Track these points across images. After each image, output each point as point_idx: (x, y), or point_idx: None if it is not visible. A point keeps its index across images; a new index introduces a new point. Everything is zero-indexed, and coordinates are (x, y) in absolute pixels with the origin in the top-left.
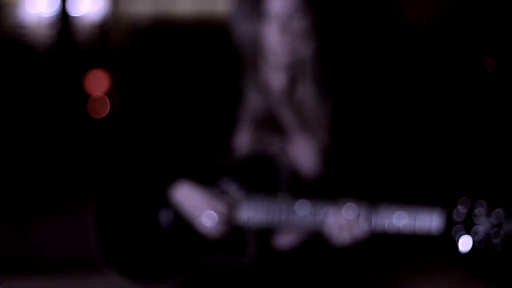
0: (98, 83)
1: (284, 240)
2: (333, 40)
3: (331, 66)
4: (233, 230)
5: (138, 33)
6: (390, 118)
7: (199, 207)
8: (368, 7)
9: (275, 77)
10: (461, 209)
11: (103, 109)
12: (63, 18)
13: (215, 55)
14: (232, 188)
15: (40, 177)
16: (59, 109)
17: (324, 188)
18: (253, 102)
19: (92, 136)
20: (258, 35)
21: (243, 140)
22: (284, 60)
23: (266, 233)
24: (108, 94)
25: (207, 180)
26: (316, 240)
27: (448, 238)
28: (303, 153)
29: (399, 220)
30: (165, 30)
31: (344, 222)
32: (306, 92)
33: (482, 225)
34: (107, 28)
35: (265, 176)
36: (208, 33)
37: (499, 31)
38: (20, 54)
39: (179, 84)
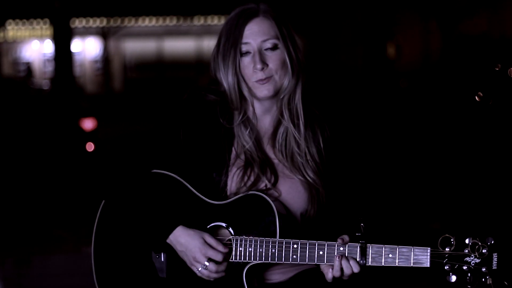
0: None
1: (278, 276)
2: (318, 72)
3: (317, 101)
4: (229, 270)
5: (130, 73)
6: (378, 154)
7: (195, 254)
8: (364, 47)
9: (262, 117)
10: (451, 247)
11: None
12: (62, 56)
13: (205, 96)
14: (226, 230)
15: (44, 211)
16: (58, 144)
17: (317, 227)
18: (242, 142)
19: (90, 175)
20: (238, 70)
21: (235, 181)
22: (265, 92)
23: (260, 270)
24: (93, 133)
25: (201, 223)
26: (308, 273)
27: (437, 276)
28: (293, 192)
29: (392, 258)
30: (156, 68)
31: (342, 266)
32: (290, 131)
33: (471, 264)
34: (102, 65)
35: (258, 216)
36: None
37: (495, 70)
38: (20, 89)
39: (171, 125)
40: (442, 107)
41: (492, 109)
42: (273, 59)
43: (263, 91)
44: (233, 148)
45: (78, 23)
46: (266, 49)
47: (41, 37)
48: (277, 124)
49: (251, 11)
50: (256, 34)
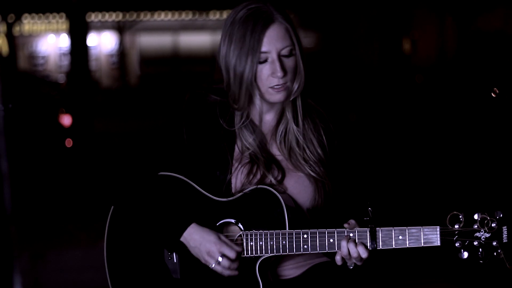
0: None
1: (291, 271)
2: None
3: (322, 101)
4: (242, 266)
5: (145, 67)
6: (395, 142)
7: (209, 248)
8: (378, 44)
9: (265, 115)
10: (460, 224)
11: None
12: (78, 50)
13: (207, 96)
14: (236, 226)
15: (60, 205)
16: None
17: (325, 217)
18: (245, 144)
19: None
20: (253, 73)
21: (239, 179)
22: (279, 97)
23: (273, 265)
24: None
25: (210, 221)
26: (320, 267)
27: (449, 254)
28: (299, 187)
29: (402, 240)
30: (172, 63)
31: (349, 249)
32: (290, 127)
33: (482, 239)
34: (117, 60)
35: (266, 209)
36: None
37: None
38: (36, 83)
39: (174, 124)
40: (458, 102)
41: (507, 105)
42: (289, 65)
43: (277, 96)
44: (235, 146)
45: (94, 17)
46: (284, 56)
47: (57, 31)
48: (278, 120)
49: (267, 16)
50: (275, 42)
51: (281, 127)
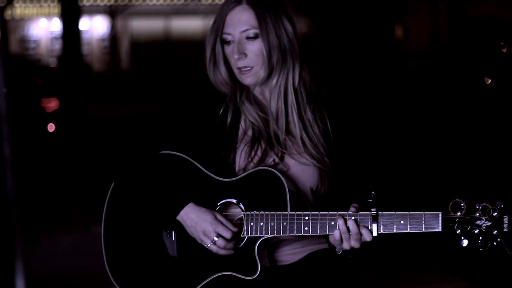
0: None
1: (289, 257)
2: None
3: (324, 89)
4: (241, 247)
5: (137, 51)
6: (388, 129)
7: (205, 228)
8: (369, 29)
9: (266, 92)
10: (461, 212)
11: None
12: (70, 34)
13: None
14: (237, 206)
15: (53, 189)
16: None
17: (327, 200)
18: (250, 119)
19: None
20: (216, 57)
21: (243, 157)
22: (248, 81)
23: (271, 249)
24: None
25: (212, 200)
26: (319, 254)
27: (449, 241)
28: (301, 165)
29: (403, 224)
30: (163, 47)
31: (349, 232)
32: (289, 112)
33: (483, 227)
34: (109, 44)
35: (268, 191)
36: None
37: (502, 52)
38: (26, 67)
39: (179, 103)
40: (450, 88)
41: (498, 91)
42: (252, 49)
43: (245, 80)
44: (240, 125)
45: (86, 1)
46: (247, 38)
47: (48, 15)
48: (282, 106)
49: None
50: (236, 24)
51: (287, 114)
